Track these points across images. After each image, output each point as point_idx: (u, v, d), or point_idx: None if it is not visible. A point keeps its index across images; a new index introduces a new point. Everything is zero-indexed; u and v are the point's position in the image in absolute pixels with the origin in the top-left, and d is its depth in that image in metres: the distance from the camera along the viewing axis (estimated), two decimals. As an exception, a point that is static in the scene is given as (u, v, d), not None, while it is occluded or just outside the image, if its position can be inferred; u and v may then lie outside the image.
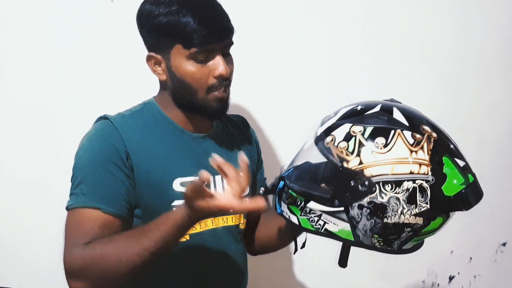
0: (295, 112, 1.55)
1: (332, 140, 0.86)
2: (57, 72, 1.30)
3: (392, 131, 0.84)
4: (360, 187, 0.82)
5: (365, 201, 0.82)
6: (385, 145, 0.83)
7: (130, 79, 1.34)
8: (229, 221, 1.06)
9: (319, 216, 0.87)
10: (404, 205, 0.81)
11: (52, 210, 1.31)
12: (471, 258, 1.88)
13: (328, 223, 0.87)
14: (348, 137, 0.85)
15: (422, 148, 0.84)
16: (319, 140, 0.89)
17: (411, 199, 0.81)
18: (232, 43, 0.99)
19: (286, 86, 1.53)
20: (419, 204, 0.81)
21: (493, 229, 1.89)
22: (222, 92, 0.98)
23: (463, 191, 0.86)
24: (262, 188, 1.01)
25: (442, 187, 0.83)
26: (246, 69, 1.42)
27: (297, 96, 1.55)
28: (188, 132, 1.04)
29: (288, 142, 1.55)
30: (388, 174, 0.82)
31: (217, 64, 0.95)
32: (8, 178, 1.30)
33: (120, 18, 1.32)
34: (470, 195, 0.88)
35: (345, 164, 0.83)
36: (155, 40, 0.98)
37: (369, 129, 0.84)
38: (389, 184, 0.81)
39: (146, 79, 1.34)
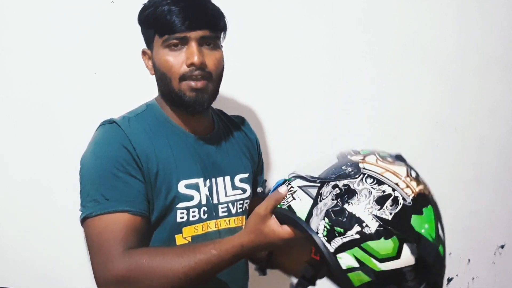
0: (295, 113, 1.55)
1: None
2: (57, 73, 1.30)
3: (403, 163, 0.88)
4: (348, 169, 0.83)
5: (342, 182, 0.82)
6: (390, 163, 0.85)
7: (130, 79, 1.34)
8: (231, 223, 1.06)
9: (293, 194, 0.84)
10: (371, 201, 0.80)
11: (52, 210, 1.32)
12: (469, 260, 1.89)
13: (295, 199, 0.84)
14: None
15: (418, 183, 0.85)
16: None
17: (380, 201, 0.79)
18: (213, 35, 0.98)
19: (286, 86, 1.53)
20: (384, 210, 0.79)
21: (491, 231, 1.90)
22: (198, 82, 0.96)
23: (429, 241, 0.82)
24: (260, 188, 1.00)
25: (412, 215, 0.80)
26: (245, 69, 1.43)
27: (297, 97, 1.54)
28: (190, 134, 1.04)
29: (287, 142, 1.55)
30: (377, 173, 0.82)
31: (190, 52, 0.95)
32: (8, 178, 1.30)
33: (120, 19, 1.32)
34: (430, 252, 0.83)
35: (349, 157, 0.87)
36: (144, 35, 1.02)
37: (382, 154, 0.88)
38: (372, 179, 0.81)
39: (146, 80, 1.34)
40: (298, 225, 0.81)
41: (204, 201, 1.00)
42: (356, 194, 0.80)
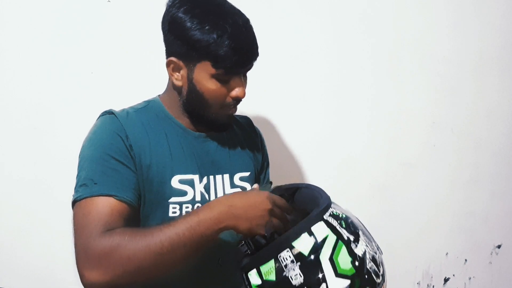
0: (293, 113, 1.55)
1: None
2: (54, 72, 1.29)
3: None
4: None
5: None
6: None
7: (126, 79, 1.34)
8: None
9: (289, 267, 0.86)
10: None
11: (49, 210, 1.31)
12: (466, 260, 1.89)
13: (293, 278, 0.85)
14: None
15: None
16: None
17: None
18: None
19: (284, 87, 1.53)
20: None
21: (488, 231, 1.90)
22: (234, 110, 1.02)
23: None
24: (256, 185, 1.02)
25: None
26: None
27: (295, 97, 1.54)
28: (190, 131, 1.05)
29: (284, 143, 1.55)
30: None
31: (238, 86, 0.98)
32: (5, 178, 1.29)
33: (117, 18, 1.32)
34: None
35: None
36: (182, 50, 0.97)
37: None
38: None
39: (142, 79, 1.34)
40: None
41: (198, 198, 1.00)
42: None
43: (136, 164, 0.95)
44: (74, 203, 0.91)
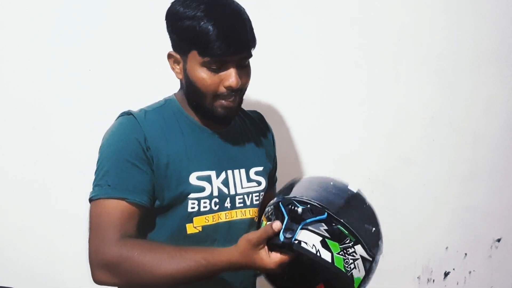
0: (291, 108, 1.55)
1: None
2: (53, 72, 1.29)
3: None
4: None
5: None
6: None
7: (124, 76, 1.34)
8: (247, 214, 1.08)
9: (355, 260, 0.89)
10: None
11: (46, 209, 1.31)
12: (466, 254, 1.89)
13: (356, 269, 0.89)
14: None
15: None
16: None
17: None
18: (250, 55, 1.00)
19: (283, 82, 1.53)
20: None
21: (487, 225, 1.91)
22: (230, 102, 1.00)
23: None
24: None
25: None
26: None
27: (292, 92, 1.54)
28: (206, 128, 1.06)
29: (285, 138, 1.55)
30: None
31: (229, 75, 0.97)
32: (4, 177, 1.29)
33: (114, 15, 1.31)
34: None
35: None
36: (176, 41, 1.00)
37: None
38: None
39: (142, 79, 1.34)
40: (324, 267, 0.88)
41: (216, 193, 1.03)
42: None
43: (153, 164, 0.98)
44: (90, 201, 0.96)
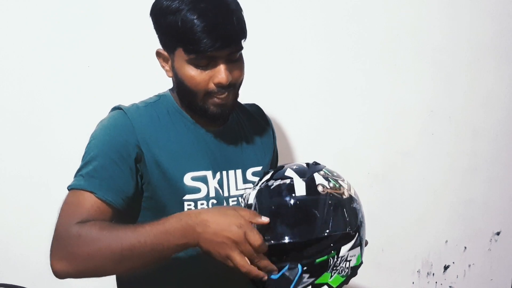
0: (288, 103, 1.55)
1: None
2: (51, 71, 1.29)
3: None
4: (357, 206, 0.91)
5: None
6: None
7: (122, 73, 1.34)
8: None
9: (345, 258, 0.85)
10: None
11: (46, 207, 1.30)
12: (465, 247, 1.90)
13: (351, 260, 0.86)
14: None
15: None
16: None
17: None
18: (240, 48, 0.94)
19: (280, 77, 1.52)
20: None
21: (487, 219, 1.91)
22: (223, 98, 0.95)
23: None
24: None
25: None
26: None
27: (290, 86, 1.54)
28: (200, 126, 1.02)
29: (283, 132, 1.55)
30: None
31: (218, 72, 0.92)
32: (3, 174, 1.29)
33: (112, 13, 1.31)
34: None
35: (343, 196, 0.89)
36: (162, 39, 0.96)
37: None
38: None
39: (142, 78, 1.34)
40: None
41: (212, 194, 0.99)
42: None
43: (144, 164, 0.93)
44: (68, 190, 0.92)
